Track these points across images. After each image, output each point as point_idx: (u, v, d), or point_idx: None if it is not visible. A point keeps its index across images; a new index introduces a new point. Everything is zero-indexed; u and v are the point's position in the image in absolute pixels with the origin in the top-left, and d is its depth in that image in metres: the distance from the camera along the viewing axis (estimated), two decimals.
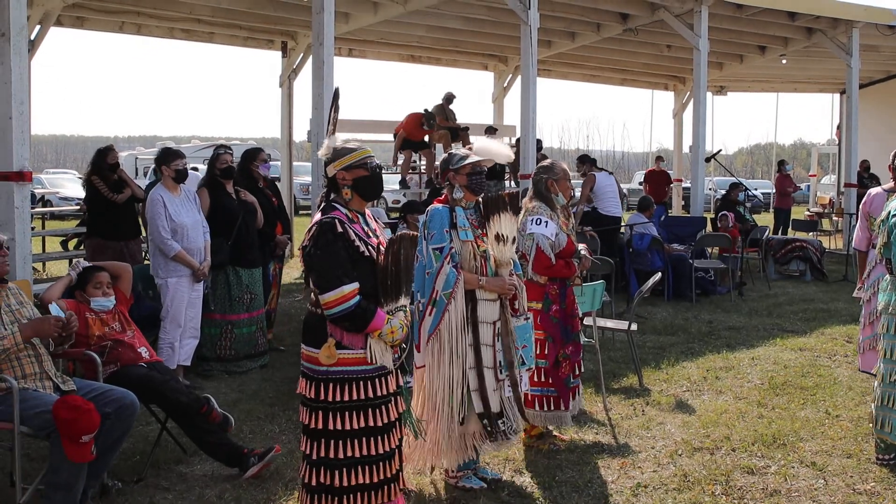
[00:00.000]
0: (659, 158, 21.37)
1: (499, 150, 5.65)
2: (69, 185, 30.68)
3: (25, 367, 5.10)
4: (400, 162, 17.86)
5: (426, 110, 17.17)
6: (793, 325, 10.97)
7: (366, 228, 4.68)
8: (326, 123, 4.87)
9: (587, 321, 7.58)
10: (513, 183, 16.58)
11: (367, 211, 4.84)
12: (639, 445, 6.41)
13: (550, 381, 6.31)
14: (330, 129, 4.85)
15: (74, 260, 6.39)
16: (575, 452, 6.26)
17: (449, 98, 17.99)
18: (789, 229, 19.84)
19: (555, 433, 6.48)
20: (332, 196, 4.70)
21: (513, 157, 5.82)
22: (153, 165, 9.52)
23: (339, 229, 4.49)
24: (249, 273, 8.46)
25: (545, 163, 6.55)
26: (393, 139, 17.74)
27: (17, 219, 8.01)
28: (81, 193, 15.31)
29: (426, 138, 17.66)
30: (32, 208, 10.70)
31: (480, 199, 5.55)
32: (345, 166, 4.64)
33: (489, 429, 5.40)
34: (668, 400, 7.53)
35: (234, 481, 5.66)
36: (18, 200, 8.01)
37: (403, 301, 4.70)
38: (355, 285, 4.47)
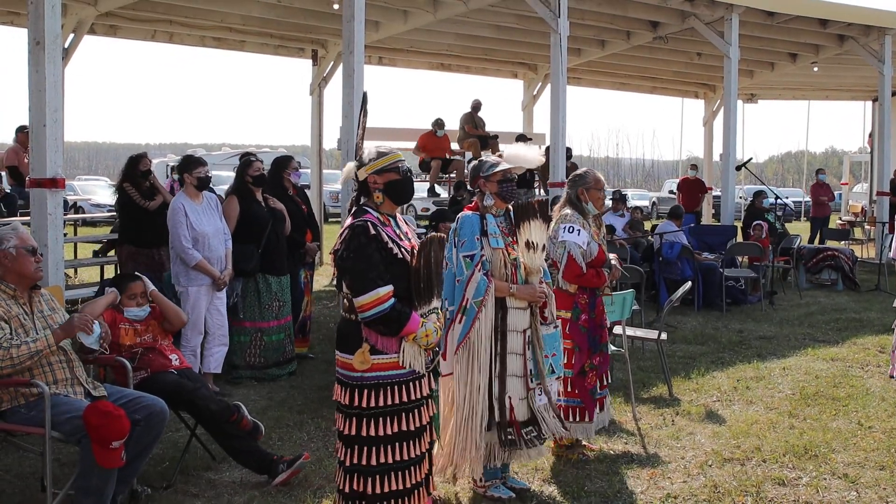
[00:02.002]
0: (693, 167, 21.24)
1: (529, 155, 5.63)
2: (101, 192, 30.92)
3: (57, 373, 5.14)
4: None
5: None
6: (824, 335, 10.87)
7: (397, 231, 4.69)
8: (356, 127, 4.89)
9: (616, 330, 7.54)
10: (542, 191, 16.56)
11: (398, 214, 4.85)
12: (668, 456, 6.37)
13: (576, 392, 6.29)
14: (359, 132, 4.87)
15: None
16: (604, 463, 6.22)
17: (476, 106, 18.00)
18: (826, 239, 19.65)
19: (584, 443, 6.45)
20: (363, 200, 4.72)
21: (543, 160, 5.79)
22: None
23: (373, 232, 4.50)
24: (278, 280, 8.48)
25: (578, 171, 6.54)
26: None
27: (50, 225, 8.09)
28: (113, 200, 15.44)
29: (454, 148, 17.67)
30: (65, 215, 10.77)
31: (510, 207, 5.54)
32: (376, 170, 4.66)
33: (509, 438, 5.38)
34: (697, 410, 7.48)
35: (262, 488, 5.68)
36: (51, 207, 8.08)
37: (436, 303, 4.70)
38: (390, 288, 4.47)
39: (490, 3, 14.62)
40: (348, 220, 4.63)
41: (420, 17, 15.42)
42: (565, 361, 6.17)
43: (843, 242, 19.07)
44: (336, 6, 12.97)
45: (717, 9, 15.57)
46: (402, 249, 4.59)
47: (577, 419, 6.28)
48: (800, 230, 20.55)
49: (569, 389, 6.26)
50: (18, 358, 4.90)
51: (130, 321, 6.07)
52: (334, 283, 4.89)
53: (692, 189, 20.11)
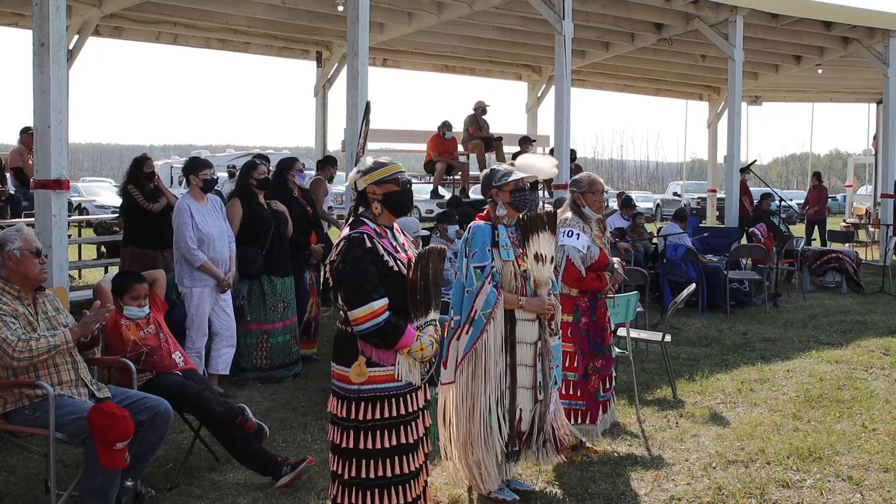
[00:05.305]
0: (744, 169, 21.32)
1: (541, 165, 5.60)
2: (105, 194, 30.94)
3: (62, 374, 5.15)
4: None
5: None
6: (829, 337, 10.86)
7: (394, 243, 4.64)
8: (358, 136, 4.87)
9: (621, 332, 7.54)
10: (546, 194, 16.56)
11: (395, 225, 4.82)
12: (672, 458, 6.37)
13: (579, 394, 6.28)
14: (361, 141, 4.84)
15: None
16: (608, 464, 6.22)
17: (483, 109, 18.00)
18: (827, 241, 19.66)
19: (588, 445, 6.44)
20: (361, 210, 4.69)
21: (556, 171, 5.76)
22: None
23: (368, 244, 4.46)
24: (283, 282, 8.49)
25: (575, 176, 6.54)
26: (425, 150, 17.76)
27: (55, 226, 8.09)
28: (117, 201, 15.50)
29: (459, 149, 17.67)
30: (69, 216, 10.78)
31: (520, 218, 5.51)
32: (376, 180, 4.61)
33: (514, 449, 5.38)
34: (702, 412, 7.48)
35: (266, 490, 5.68)
36: (56, 208, 8.10)
37: (433, 315, 4.68)
38: (385, 301, 4.44)
39: (494, 5, 14.63)
40: (345, 231, 4.61)
41: (424, 18, 15.44)
42: (567, 364, 6.19)
43: (847, 245, 19.06)
44: (340, 8, 12.98)
45: (721, 11, 15.57)
46: (399, 262, 4.55)
47: (580, 421, 6.28)
48: (804, 233, 20.60)
49: (571, 392, 6.26)
50: (38, 350, 4.95)
51: (131, 318, 6.08)
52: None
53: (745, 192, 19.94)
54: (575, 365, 6.24)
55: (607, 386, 6.47)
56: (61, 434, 4.98)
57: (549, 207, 7.58)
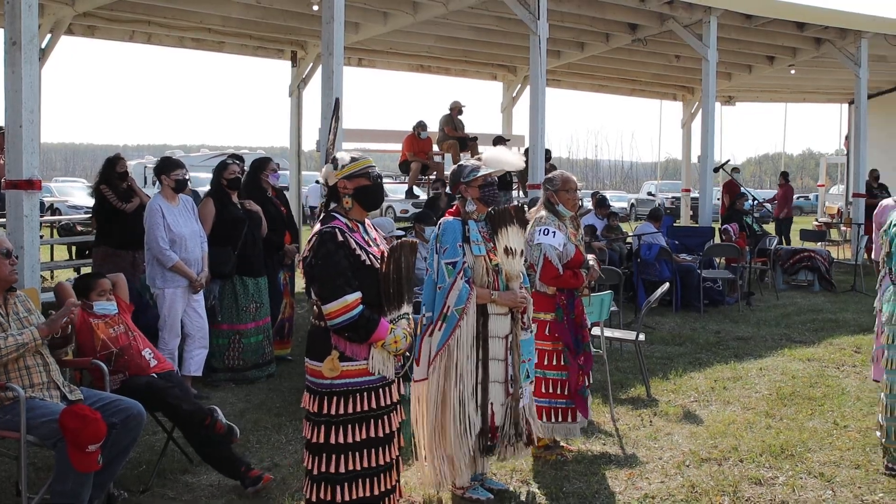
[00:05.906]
0: (735, 169, 21.56)
1: (508, 158, 5.63)
2: (78, 194, 30.69)
3: (33, 377, 5.11)
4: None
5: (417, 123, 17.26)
6: (801, 336, 10.93)
7: (366, 237, 4.67)
8: (328, 132, 4.87)
9: (595, 331, 7.55)
10: (521, 193, 16.58)
11: (367, 220, 4.83)
12: (646, 456, 6.39)
13: (563, 393, 6.28)
14: (331, 138, 4.85)
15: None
16: (582, 463, 6.24)
17: (458, 109, 17.99)
18: (799, 240, 19.85)
19: (562, 444, 6.46)
20: (332, 206, 4.70)
21: (523, 164, 5.79)
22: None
23: (340, 238, 4.48)
24: (255, 282, 8.46)
25: (548, 175, 6.56)
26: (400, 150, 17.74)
27: (26, 227, 8.02)
28: (90, 202, 15.39)
29: (434, 149, 17.66)
30: (42, 216, 10.70)
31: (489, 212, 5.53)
32: (346, 175, 4.63)
33: (489, 444, 5.39)
34: (675, 410, 7.51)
35: (239, 491, 5.65)
36: (27, 208, 8.02)
37: (406, 308, 4.69)
38: (358, 294, 4.46)
39: (469, 5, 14.62)
40: (316, 226, 4.62)
41: (400, 18, 15.42)
42: (555, 363, 6.19)
43: (819, 244, 19.19)
44: (315, 7, 12.95)
45: (695, 11, 15.64)
46: (371, 256, 4.58)
47: (561, 420, 6.28)
48: (775, 231, 20.79)
49: (552, 391, 6.26)
50: (6, 349, 4.93)
51: (100, 316, 6.05)
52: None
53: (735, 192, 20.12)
54: (562, 363, 6.23)
55: (587, 383, 6.49)
56: (32, 437, 4.94)
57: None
